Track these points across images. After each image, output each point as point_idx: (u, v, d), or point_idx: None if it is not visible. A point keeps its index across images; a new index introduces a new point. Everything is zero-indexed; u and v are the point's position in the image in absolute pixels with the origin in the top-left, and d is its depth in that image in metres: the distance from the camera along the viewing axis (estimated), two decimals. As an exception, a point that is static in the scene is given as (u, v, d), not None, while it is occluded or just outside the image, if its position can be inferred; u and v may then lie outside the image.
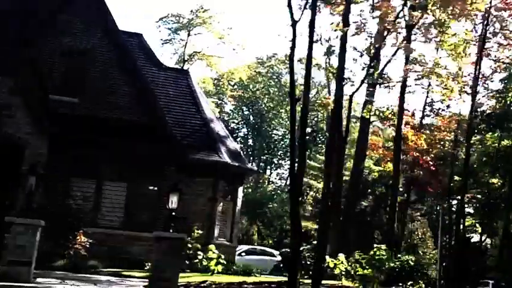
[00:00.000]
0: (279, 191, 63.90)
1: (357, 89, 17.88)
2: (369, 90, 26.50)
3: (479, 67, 36.14)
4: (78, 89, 21.11)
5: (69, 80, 21.08)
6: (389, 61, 26.27)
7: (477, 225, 45.52)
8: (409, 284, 15.84)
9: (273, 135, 77.72)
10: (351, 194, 30.48)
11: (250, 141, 79.26)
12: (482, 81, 37.46)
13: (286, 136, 73.63)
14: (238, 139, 79.34)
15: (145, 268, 17.42)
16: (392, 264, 16.01)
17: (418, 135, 31.02)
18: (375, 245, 15.64)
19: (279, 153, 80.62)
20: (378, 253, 15.29)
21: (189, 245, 17.99)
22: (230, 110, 78.40)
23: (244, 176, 25.68)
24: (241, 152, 27.25)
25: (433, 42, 29.80)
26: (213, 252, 17.42)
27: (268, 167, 79.41)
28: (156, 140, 21.21)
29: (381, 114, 27.24)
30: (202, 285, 12.87)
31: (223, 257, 17.66)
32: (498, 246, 44.00)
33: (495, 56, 36.81)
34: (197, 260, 17.30)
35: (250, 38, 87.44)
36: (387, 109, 27.17)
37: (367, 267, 14.90)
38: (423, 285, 16.03)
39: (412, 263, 16.47)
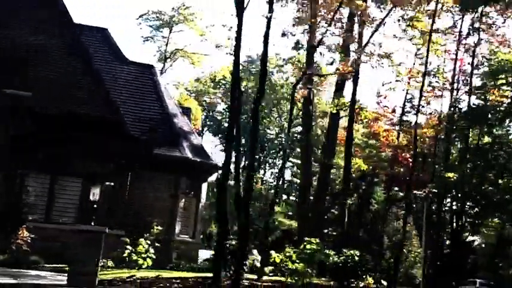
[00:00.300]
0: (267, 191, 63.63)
1: (298, 81, 17.44)
2: (338, 84, 26.14)
3: (458, 63, 35.89)
4: (31, 83, 20.70)
5: (21, 74, 20.70)
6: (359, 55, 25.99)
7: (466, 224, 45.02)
8: (357, 278, 15.40)
9: (268, 134, 77.49)
10: (319, 188, 29.90)
11: (242, 141, 78.90)
12: (463, 78, 37.17)
13: (280, 135, 73.44)
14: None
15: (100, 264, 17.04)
16: (335, 259, 15.62)
17: (389, 131, 30.57)
18: (306, 238, 15.24)
19: (271, 152, 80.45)
20: (308, 247, 14.89)
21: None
22: (223, 109, 78.27)
23: (208, 172, 25.26)
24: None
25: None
26: (143, 247, 17.02)
27: (262, 167, 79.18)
28: (113, 135, 20.82)
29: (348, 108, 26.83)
30: (128, 280, 12.51)
31: (152, 251, 17.24)
32: (493, 246, 43.63)
33: (482, 54, 36.57)
34: (125, 255, 16.89)
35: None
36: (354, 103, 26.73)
37: (297, 261, 14.51)
38: (371, 281, 15.61)
39: (356, 258, 16.04)
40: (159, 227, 21.23)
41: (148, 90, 24.95)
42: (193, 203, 24.03)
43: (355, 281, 15.27)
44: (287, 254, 14.83)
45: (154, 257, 17.06)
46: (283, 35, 24.75)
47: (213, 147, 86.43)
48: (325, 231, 48.50)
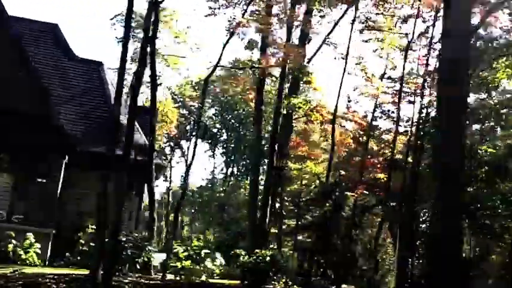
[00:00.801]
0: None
1: (209, 75, 17.03)
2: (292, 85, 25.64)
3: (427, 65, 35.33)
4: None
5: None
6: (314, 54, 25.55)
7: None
8: (268, 280, 14.82)
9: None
10: (270, 191, 29.07)
11: (232, 146, 78.78)
12: (431, 81, 36.58)
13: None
14: (220, 144, 78.86)
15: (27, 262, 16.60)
16: (245, 259, 15.09)
17: (344, 134, 30.02)
18: (193, 235, 14.70)
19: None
20: (195, 244, 14.39)
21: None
22: (213, 114, 78.04)
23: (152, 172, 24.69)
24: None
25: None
26: (30, 242, 16.50)
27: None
28: (47, 131, 20.44)
29: (299, 108, 26.12)
30: (9, 275, 12.04)
31: (38, 246, 16.71)
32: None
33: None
34: (9, 250, 16.34)
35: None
36: (304, 104, 26.11)
37: (183, 259, 14.01)
38: (282, 283, 15.02)
39: (268, 259, 15.44)
40: (94, 226, 20.70)
41: (95, 87, 24.59)
42: (135, 203, 23.50)
43: (266, 282, 14.71)
44: (174, 252, 14.35)
45: (39, 251, 16.56)
46: (232, 34, 24.24)
47: (203, 152, 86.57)
48: (300, 237, 48.20)
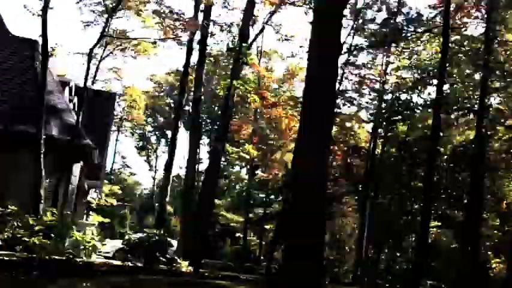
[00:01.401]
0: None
1: (95, 45, 16.32)
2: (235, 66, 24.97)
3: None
4: None
5: None
6: (257, 38, 24.73)
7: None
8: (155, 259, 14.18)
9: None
10: (209, 174, 28.25)
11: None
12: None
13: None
14: (205, 133, 78.40)
15: None
16: (129, 237, 14.49)
17: (291, 117, 29.27)
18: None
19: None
20: (48, 218, 13.75)
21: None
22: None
23: (82, 153, 24.05)
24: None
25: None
26: None
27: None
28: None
29: (242, 88, 25.28)
30: None
31: None
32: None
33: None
34: None
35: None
36: (242, 85, 25.35)
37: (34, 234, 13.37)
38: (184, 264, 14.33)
39: (156, 238, 14.79)
40: (14, 207, 20.13)
41: (27, 66, 24.02)
42: (61, 184, 22.89)
43: (150, 263, 14.09)
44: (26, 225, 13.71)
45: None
46: (171, 12, 23.57)
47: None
48: (267, 227, 47.71)
